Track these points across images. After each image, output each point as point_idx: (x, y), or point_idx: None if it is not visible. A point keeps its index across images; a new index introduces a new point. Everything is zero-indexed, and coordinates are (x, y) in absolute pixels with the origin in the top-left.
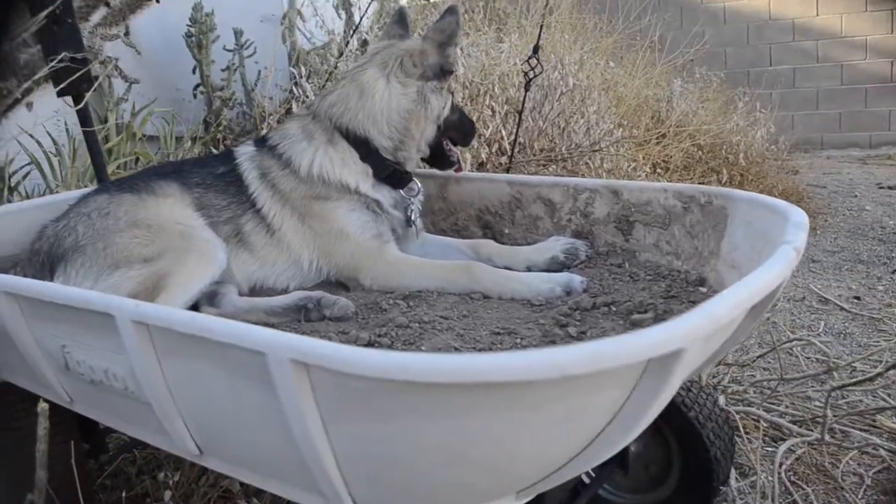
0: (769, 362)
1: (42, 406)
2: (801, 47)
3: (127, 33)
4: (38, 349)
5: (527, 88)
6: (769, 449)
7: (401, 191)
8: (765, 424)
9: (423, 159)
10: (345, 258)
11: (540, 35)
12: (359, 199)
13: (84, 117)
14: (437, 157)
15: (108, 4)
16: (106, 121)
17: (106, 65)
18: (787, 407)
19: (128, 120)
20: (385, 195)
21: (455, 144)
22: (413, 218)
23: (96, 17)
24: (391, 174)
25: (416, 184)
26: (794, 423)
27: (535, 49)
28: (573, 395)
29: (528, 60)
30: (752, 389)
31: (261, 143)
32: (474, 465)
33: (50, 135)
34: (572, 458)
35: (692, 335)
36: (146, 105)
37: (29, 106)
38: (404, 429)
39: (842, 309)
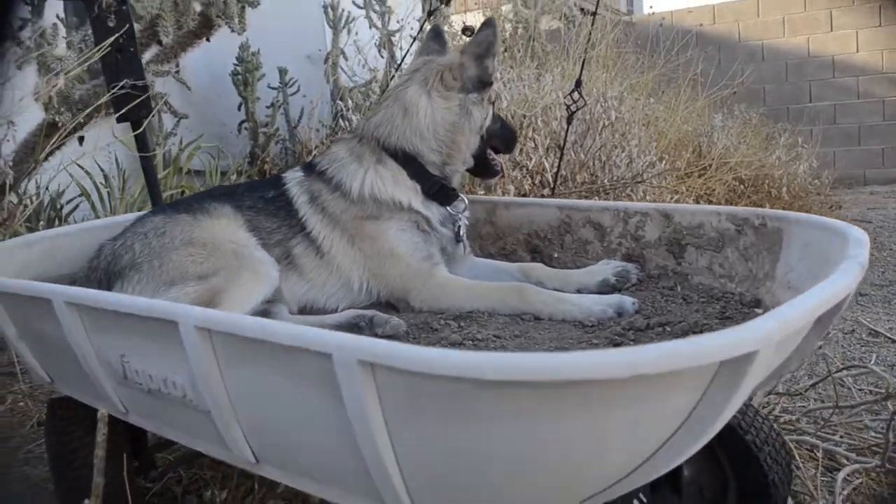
0: (820, 392)
1: (102, 413)
2: (842, 83)
3: (178, 70)
4: (96, 359)
5: (569, 122)
6: (825, 479)
7: (448, 208)
8: (820, 454)
9: (468, 170)
10: (395, 280)
11: (582, 69)
12: (409, 218)
13: (142, 143)
14: (481, 166)
15: (160, 43)
16: (154, 155)
17: (156, 100)
18: (842, 437)
19: (175, 154)
20: (434, 212)
21: (498, 153)
22: (461, 234)
23: (148, 54)
24: (439, 190)
25: (464, 200)
26: (850, 451)
27: (578, 83)
28: (643, 398)
29: (570, 94)
30: (804, 419)
31: (309, 168)
32: (541, 472)
33: (100, 166)
34: (639, 465)
35: (766, 338)
36: (193, 140)
37: (80, 140)
38: (471, 432)
39: (893, 341)
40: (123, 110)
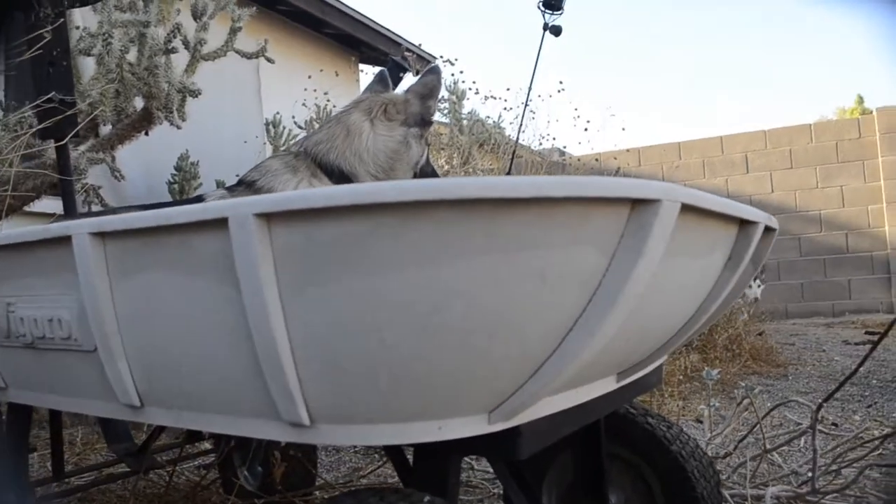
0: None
1: None
2: None
3: (113, 159)
4: None
5: None
6: None
7: None
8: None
9: None
10: None
11: (512, 161)
12: None
13: (64, 165)
14: None
15: (97, 136)
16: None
17: (89, 192)
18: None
19: None
20: None
21: None
22: None
23: (84, 146)
24: None
25: None
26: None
27: (508, 174)
28: (549, 241)
29: None
30: (735, 476)
31: (236, 185)
32: (439, 343)
33: None
34: (551, 353)
35: (670, 193)
36: None
37: None
38: (367, 288)
39: (821, 431)
40: (48, 123)
